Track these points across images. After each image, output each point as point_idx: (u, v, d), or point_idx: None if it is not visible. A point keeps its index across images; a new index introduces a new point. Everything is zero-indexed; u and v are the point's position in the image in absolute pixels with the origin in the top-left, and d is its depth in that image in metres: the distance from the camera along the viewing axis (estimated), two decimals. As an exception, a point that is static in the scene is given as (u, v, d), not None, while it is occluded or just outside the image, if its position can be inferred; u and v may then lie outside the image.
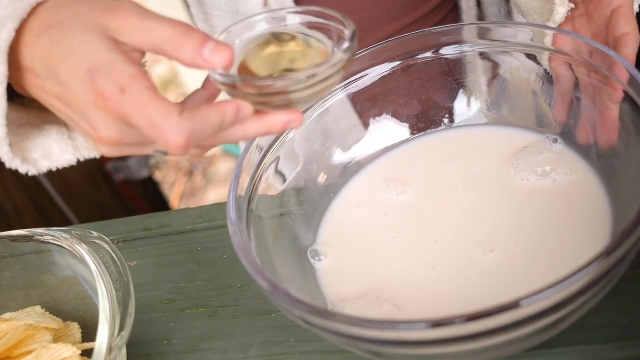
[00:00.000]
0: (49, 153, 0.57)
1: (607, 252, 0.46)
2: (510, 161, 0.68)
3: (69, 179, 1.57)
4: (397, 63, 0.70)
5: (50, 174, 1.54)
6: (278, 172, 0.68)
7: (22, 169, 0.56)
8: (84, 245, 0.65)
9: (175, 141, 0.47)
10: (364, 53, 0.69)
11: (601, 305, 0.54)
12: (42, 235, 0.68)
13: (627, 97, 0.58)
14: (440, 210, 0.67)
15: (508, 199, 0.65)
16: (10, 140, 0.54)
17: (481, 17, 0.94)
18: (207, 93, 0.53)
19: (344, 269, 0.65)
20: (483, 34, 0.67)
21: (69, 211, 1.55)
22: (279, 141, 0.68)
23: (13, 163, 0.55)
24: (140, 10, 0.49)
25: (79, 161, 0.59)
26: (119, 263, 0.64)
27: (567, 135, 0.68)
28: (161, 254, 0.79)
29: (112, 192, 1.70)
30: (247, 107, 0.50)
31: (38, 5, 0.52)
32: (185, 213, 0.82)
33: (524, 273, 0.59)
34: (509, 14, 0.93)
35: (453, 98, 0.74)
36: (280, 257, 0.64)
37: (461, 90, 0.73)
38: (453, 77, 0.72)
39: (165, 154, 0.51)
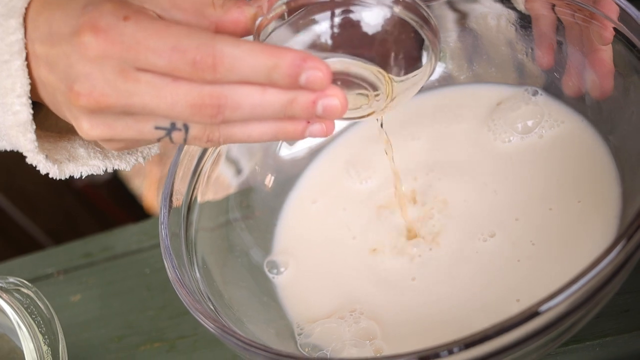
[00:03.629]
0: (74, 156, 0.47)
1: (629, 234, 0.38)
2: (485, 123, 0.58)
3: (26, 189, 1.47)
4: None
5: (4, 186, 1.42)
6: (230, 160, 0.58)
7: (44, 168, 0.45)
8: (4, 295, 0.56)
9: (205, 60, 0.37)
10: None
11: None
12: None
13: (619, 36, 0.49)
14: (414, 197, 0.56)
15: (494, 168, 0.56)
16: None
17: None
18: None
19: (307, 281, 0.55)
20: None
21: (31, 224, 1.45)
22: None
23: (37, 158, 0.44)
24: None
25: (106, 171, 0.49)
26: (43, 309, 0.56)
27: (552, 88, 0.57)
28: (106, 282, 0.69)
29: (76, 198, 1.59)
30: (321, 64, 0.37)
31: None
32: (128, 231, 0.73)
33: (532, 256, 0.49)
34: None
35: (412, 58, 0.62)
36: (232, 277, 0.54)
37: (422, 48, 0.62)
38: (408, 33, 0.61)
39: (170, 130, 0.39)
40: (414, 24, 0.40)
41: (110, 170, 0.49)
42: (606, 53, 0.51)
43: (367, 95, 0.43)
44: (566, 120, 0.56)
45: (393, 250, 0.54)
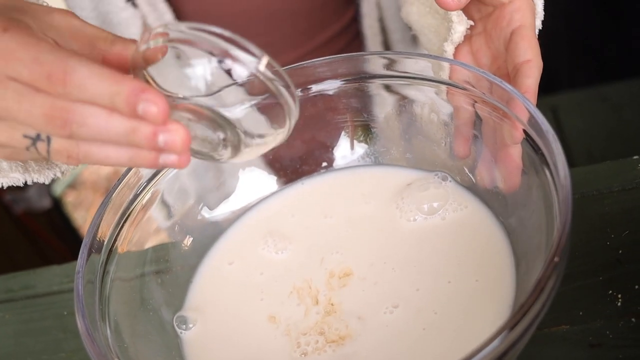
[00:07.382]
0: None
1: (510, 326, 0.41)
2: (394, 201, 0.62)
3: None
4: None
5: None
6: (155, 212, 0.60)
7: None
8: None
9: (57, 74, 0.39)
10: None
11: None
12: None
13: (528, 137, 0.52)
14: (322, 273, 0.58)
15: (396, 247, 0.59)
16: None
17: (386, 43, 0.86)
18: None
19: (213, 339, 0.56)
20: (357, 66, 0.60)
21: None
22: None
23: None
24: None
25: (26, 184, 0.52)
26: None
27: (464, 177, 0.61)
28: (23, 320, 0.70)
29: (14, 225, 1.58)
30: (158, 99, 0.39)
31: None
32: (51, 272, 0.74)
33: (436, 325, 0.52)
34: (414, 39, 0.86)
35: (336, 138, 0.66)
36: (141, 330, 0.55)
37: (343, 129, 0.65)
38: (337, 114, 0.64)
39: (36, 140, 0.42)
40: (272, 87, 0.43)
41: (30, 182, 0.52)
42: (515, 150, 0.54)
43: (211, 142, 0.46)
44: (470, 206, 0.59)
45: (303, 321, 0.56)
